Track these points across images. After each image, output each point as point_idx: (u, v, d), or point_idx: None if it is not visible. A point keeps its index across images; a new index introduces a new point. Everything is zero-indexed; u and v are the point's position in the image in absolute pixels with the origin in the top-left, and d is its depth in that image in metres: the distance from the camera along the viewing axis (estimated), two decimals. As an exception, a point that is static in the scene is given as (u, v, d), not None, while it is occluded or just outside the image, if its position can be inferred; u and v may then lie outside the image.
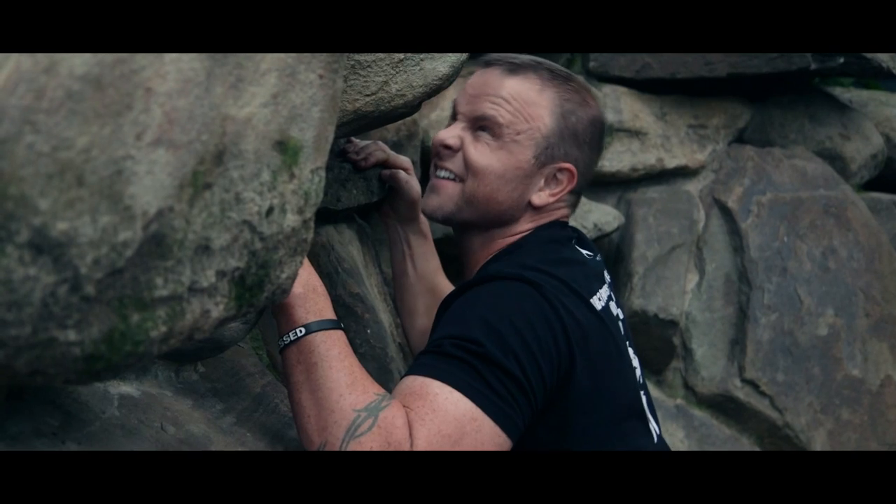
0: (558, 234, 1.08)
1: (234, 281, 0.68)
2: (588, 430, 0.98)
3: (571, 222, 1.15)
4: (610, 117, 1.76)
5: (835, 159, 2.15)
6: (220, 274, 0.67)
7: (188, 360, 0.93)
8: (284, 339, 0.90)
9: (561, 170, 1.04)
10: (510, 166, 1.03)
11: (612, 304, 1.09)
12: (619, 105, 1.84)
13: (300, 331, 0.89)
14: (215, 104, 0.63)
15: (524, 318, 0.93)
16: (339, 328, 0.93)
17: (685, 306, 1.94)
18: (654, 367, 1.94)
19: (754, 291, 1.94)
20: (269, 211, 0.69)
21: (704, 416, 1.90)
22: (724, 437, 1.87)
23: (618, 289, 1.77)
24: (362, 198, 1.20)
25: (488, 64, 1.07)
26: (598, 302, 1.03)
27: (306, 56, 0.71)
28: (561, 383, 0.94)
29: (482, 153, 1.03)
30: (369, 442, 0.85)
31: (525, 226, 1.07)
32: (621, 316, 1.11)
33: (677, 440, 1.87)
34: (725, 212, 1.98)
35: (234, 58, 0.63)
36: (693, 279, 1.96)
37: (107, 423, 0.79)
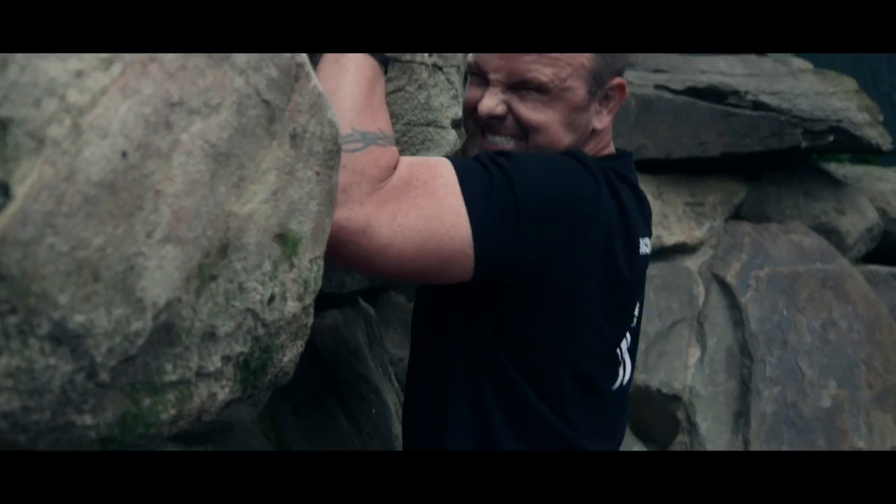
0: (615, 163, 1.06)
1: (239, 365, 0.73)
2: (524, 354, 0.97)
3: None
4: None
5: (831, 233, 2.25)
6: (226, 359, 0.71)
7: (198, 442, 1.00)
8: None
9: (612, 87, 1.04)
10: (568, 111, 1.01)
11: (647, 250, 1.09)
12: (618, 187, 1.95)
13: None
14: (219, 202, 0.67)
15: (563, 184, 0.93)
16: (383, 63, 0.92)
17: (688, 381, 2.00)
18: (660, 441, 2.00)
19: (756, 364, 2.02)
20: (271, 299, 0.73)
21: None
22: None
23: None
24: (366, 282, 1.28)
25: None
26: (643, 247, 1.04)
27: (304, 154, 0.76)
28: (538, 267, 0.93)
29: (537, 110, 1.00)
30: (350, 158, 0.83)
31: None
32: (641, 285, 1.11)
33: None
34: (724, 287, 2.07)
35: (236, 159, 0.68)
36: (695, 354, 2.02)
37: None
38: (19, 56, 0.56)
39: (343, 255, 0.86)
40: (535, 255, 0.90)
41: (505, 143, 1.03)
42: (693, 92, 1.95)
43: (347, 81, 0.87)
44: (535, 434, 1.01)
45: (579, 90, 1.00)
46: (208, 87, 0.67)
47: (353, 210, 0.83)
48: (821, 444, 2.00)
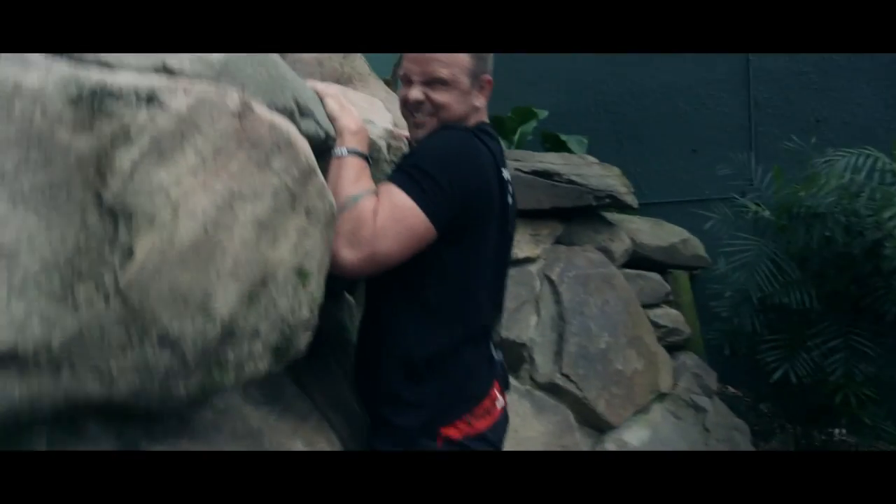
0: (482, 126, 1.41)
1: (272, 350, 0.97)
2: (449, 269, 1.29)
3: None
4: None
5: (606, 252, 3.42)
6: (265, 346, 0.95)
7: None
8: (335, 151, 1.24)
9: (484, 80, 1.40)
10: (459, 95, 1.35)
11: (510, 184, 1.44)
12: (494, 224, 3.09)
13: (343, 150, 1.24)
14: (261, 252, 0.91)
15: (456, 151, 1.26)
16: (366, 159, 1.25)
17: (529, 334, 3.00)
18: (513, 369, 2.86)
19: (566, 325, 3.07)
20: (293, 310, 0.98)
21: (541, 394, 2.98)
22: (550, 406, 2.95)
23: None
24: (347, 283, 1.66)
25: None
26: (505, 174, 1.39)
27: (313, 221, 1.02)
28: (466, 199, 1.24)
29: (441, 95, 1.34)
30: (348, 215, 1.15)
31: (469, 124, 1.38)
32: (511, 190, 1.45)
33: (526, 409, 2.89)
34: (551, 282, 3.16)
35: (272, 226, 0.92)
36: (534, 319, 3.07)
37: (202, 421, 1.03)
38: (141, 167, 0.75)
39: (365, 271, 1.21)
40: (462, 196, 1.23)
41: (424, 117, 1.36)
42: (536, 173, 3.10)
43: (346, 170, 1.22)
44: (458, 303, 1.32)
45: (464, 81, 1.35)
46: (256, 184, 0.93)
47: (362, 249, 1.17)
48: (598, 369, 3.03)
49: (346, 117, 1.33)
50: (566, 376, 3.07)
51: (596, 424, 3.14)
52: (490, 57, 1.43)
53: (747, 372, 3.85)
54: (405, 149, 1.55)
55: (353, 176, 1.23)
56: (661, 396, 3.46)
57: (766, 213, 3.67)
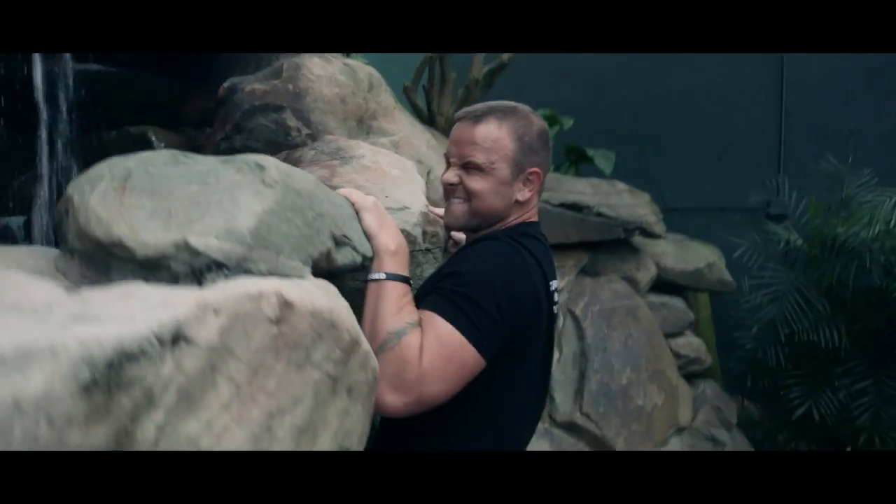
0: (532, 228, 1.33)
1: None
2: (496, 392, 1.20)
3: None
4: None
5: (631, 281, 3.35)
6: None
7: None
8: (372, 275, 1.15)
9: (530, 173, 1.29)
10: (496, 183, 1.26)
11: (557, 298, 1.34)
12: (518, 258, 2.98)
13: (382, 275, 1.15)
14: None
15: (506, 274, 1.16)
16: (407, 282, 1.17)
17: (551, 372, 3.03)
18: None
19: (588, 362, 3.03)
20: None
21: (559, 433, 2.97)
22: (569, 445, 2.93)
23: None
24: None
25: (459, 119, 1.32)
26: (553, 285, 1.29)
27: (355, 397, 0.98)
28: (514, 335, 1.16)
29: (475, 181, 1.27)
30: (391, 355, 1.07)
31: (510, 223, 1.31)
32: (557, 301, 1.36)
33: (544, 448, 2.85)
34: (574, 317, 3.11)
35: (312, 426, 0.88)
36: (556, 356, 3.00)
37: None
38: (167, 427, 0.68)
39: (413, 413, 1.11)
40: (512, 322, 1.16)
41: (457, 203, 1.30)
42: (563, 205, 3.00)
43: (385, 299, 1.12)
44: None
45: (504, 170, 1.27)
46: (295, 388, 0.84)
47: (409, 393, 1.08)
48: (619, 406, 3.01)
49: (383, 234, 1.21)
50: (586, 415, 3.02)
51: (614, 463, 3.07)
52: (542, 147, 1.32)
53: (767, 404, 3.76)
54: (441, 234, 1.48)
55: (393, 307, 1.12)
56: (680, 430, 3.39)
57: (799, 242, 3.52)
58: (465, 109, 1.34)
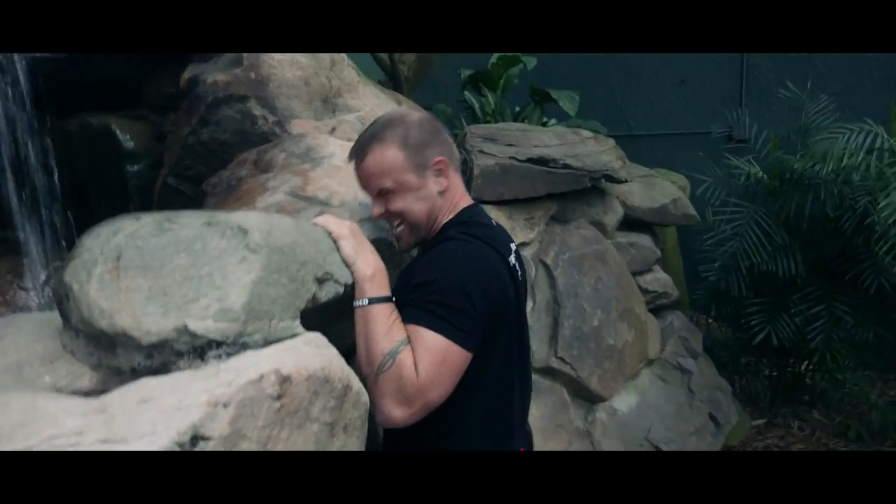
0: (473, 210, 1.40)
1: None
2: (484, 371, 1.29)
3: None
4: (485, 222, 2.93)
5: (599, 225, 3.39)
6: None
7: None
8: (356, 302, 1.23)
9: (434, 164, 1.35)
10: (411, 193, 1.33)
11: (519, 268, 1.41)
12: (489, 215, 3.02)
13: (365, 301, 1.22)
14: None
15: (470, 270, 1.23)
16: (390, 301, 1.23)
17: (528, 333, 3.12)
18: None
19: (561, 308, 3.09)
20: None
21: (537, 377, 3.03)
22: (546, 388, 3.05)
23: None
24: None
25: (350, 162, 1.39)
26: (512, 260, 1.35)
27: (350, 431, 1.06)
28: (489, 324, 1.25)
29: (395, 203, 1.34)
30: (390, 375, 1.14)
31: (446, 214, 1.38)
32: (521, 274, 1.43)
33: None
34: (545, 266, 3.15)
35: None
36: (530, 304, 3.06)
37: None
38: None
39: (421, 418, 1.20)
40: (485, 310, 1.25)
41: (397, 226, 1.39)
42: (530, 160, 2.99)
43: (373, 323, 1.19)
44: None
45: (410, 179, 1.33)
46: (297, 446, 0.92)
47: (413, 403, 1.16)
48: (591, 347, 3.09)
49: (360, 261, 1.29)
50: (561, 359, 3.14)
51: (588, 398, 3.27)
52: (431, 136, 1.36)
53: (731, 329, 3.99)
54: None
55: (382, 328, 1.20)
56: (650, 363, 3.58)
57: (759, 174, 3.64)
58: (350, 150, 1.41)
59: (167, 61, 2.40)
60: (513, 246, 1.44)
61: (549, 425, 3.13)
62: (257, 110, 2.18)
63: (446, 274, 1.23)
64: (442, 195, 1.37)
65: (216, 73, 2.16)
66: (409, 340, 1.19)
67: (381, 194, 1.36)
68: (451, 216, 1.39)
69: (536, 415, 3.07)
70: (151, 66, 2.51)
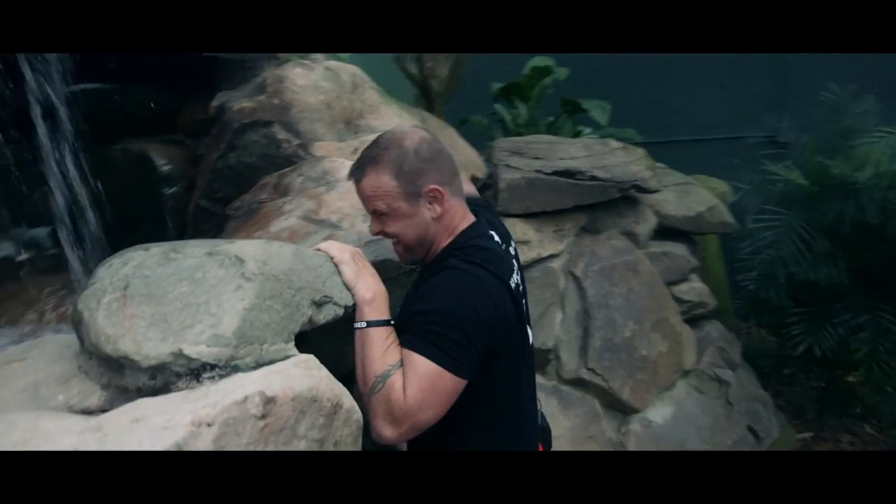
0: (473, 232, 1.39)
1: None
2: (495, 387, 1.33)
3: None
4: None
5: (631, 235, 3.35)
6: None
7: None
8: (356, 324, 1.27)
9: (428, 192, 1.35)
10: (404, 220, 1.35)
11: (520, 282, 1.42)
12: (515, 229, 2.94)
13: (364, 323, 1.27)
14: None
15: (467, 301, 1.24)
16: (389, 324, 1.27)
17: (555, 332, 3.00)
18: (540, 367, 2.93)
19: (591, 319, 3.06)
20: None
21: (567, 389, 3.03)
22: (577, 399, 3.04)
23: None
24: None
25: (349, 179, 1.40)
26: (514, 282, 1.36)
27: (343, 447, 1.09)
28: (490, 346, 1.27)
29: (389, 225, 1.37)
30: (380, 397, 1.19)
31: (444, 238, 1.39)
32: (522, 288, 1.45)
33: (553, 406, 2.99)
34: (574, 277, 3.15)
35: None
36: (559, 317, 3.07)
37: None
38: None
39: (411, 438, 1.24)
40: (482, 339, 1.26)
41: (396, 246, 1.42)
42: (556, 173, 3.00)
43: (369, 346, 1.25)
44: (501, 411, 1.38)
45: (402, 206, 1.35)
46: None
47: (401, 424, 1.20)
48: (623, 358, 3.07)
49: (360, 285, 1.34)
50: (591, 370, 3.13)
51: (621, 409, 3.25)
52: (428, 162, 1.35)
53: (773, 338, 3.89)
54: None
55: (377, 352, 1.24)
56: (685, 374, 3.52)
57: (799, 180, 3.55)
58: (349, 169, 1.41)
59: (200, 89, 2.53)
60: (515, 263, 1.44)
61: (580, 436, 3.12)
62: (282, 134, 2.28)
63: (443, 305, 1.25)
64: (437, 221, 1.38)
65: (242, 100, 2.27)
66: (403, 364, 1.23)
67: (377, 215, 1.39)
68: (450, 239, 1.40)
69: (567, 426, 3.07)
70: (186, 94, 2.65)
